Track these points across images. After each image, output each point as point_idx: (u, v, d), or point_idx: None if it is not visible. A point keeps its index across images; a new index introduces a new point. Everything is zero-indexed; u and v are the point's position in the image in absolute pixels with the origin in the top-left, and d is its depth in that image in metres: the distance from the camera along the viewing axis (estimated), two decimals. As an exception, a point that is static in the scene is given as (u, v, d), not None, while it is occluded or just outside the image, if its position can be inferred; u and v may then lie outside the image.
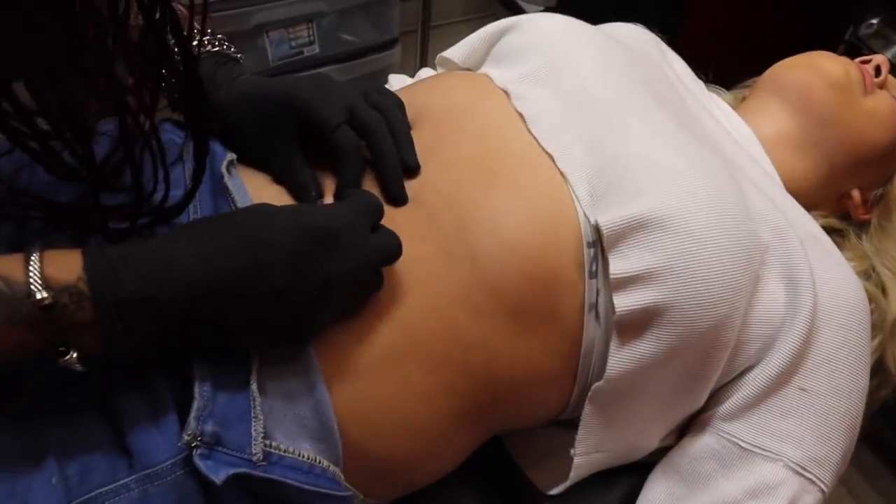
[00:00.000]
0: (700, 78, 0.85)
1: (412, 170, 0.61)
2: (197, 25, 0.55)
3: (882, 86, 0.78)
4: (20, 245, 0.53)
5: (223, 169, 0.58)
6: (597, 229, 0.56)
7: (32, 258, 0.41)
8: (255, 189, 0.59)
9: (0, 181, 0.54)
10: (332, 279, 0.48)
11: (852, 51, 1.55)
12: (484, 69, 0.73)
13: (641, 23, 0.84)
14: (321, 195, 0.60)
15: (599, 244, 0.56)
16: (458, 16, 2.44)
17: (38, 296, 0.40)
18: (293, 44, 1.77)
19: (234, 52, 0.66)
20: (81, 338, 0.42)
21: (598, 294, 0.56)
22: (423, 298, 0.55)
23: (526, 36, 0.70)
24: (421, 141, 0.62)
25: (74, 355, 0.42)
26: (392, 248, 0.53)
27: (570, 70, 0.65)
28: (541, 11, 2.49)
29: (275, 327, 0.48)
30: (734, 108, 0.83)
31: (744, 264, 0.54)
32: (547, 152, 0.60)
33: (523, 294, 0.55)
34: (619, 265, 0.54)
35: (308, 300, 0.48)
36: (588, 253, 0.56)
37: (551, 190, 0.58)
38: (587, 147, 0.60)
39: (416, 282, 0.55)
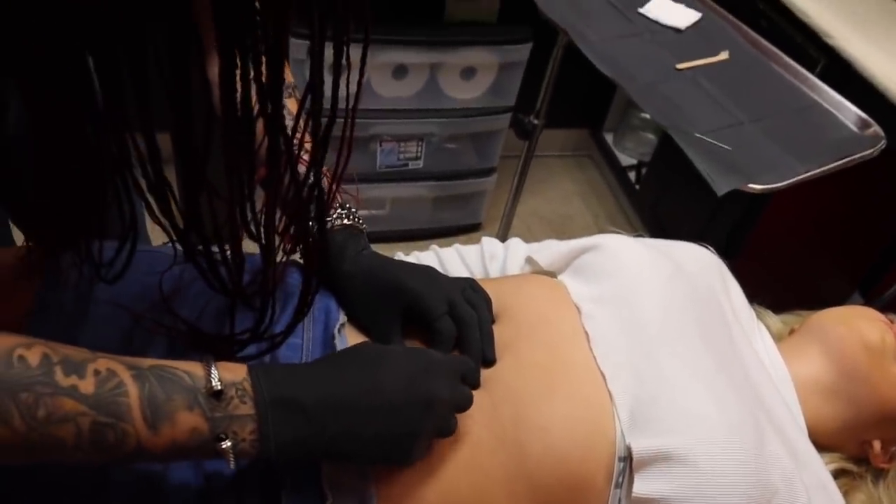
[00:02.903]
0: (754, 302, 0.95)
1: (489, 362, 0.73)
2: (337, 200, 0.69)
3: None
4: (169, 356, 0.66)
5: (335, 330, 0.72)
6: (629, 449, 0.66)
7: (211, 362, 0.54)
8: None
9: (163, 298, 0.69)
10: (435, 399, 0.59)
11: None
12: (564, 277, 0.85)
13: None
14: None
15: (629, 460, 0.66)
16: (556, 150, 2.60)
17: (214, 384, 0.52)
18: (401, 156, 1.95)
19: (361, 223, 0.80)
20: (239, 432, 0.53)
21: (619, 502, 0.66)
22: (472, 474, 0.65)
23: (605, 259, 0.82)
24: (500, 336, 0.74)
25: (229, 444, 0.52)
26: (468, 398, 0.64)
27: (635, 302, 0.76)
28: (633, 166, 2.55)
29: (390, 440, 0.58)
30: (779, 338, 0.91)
31: None
32: (601, 371, 0.71)
33: (556, 491, 0.65)
34: (642, 486, 0.64)
35: (418, 415, 0.58)
36: (618, 466, 0.66)
37: (599, 409, 0.69)
38: (634, 375, 0.70)
39: (467, 458, 0.66)
